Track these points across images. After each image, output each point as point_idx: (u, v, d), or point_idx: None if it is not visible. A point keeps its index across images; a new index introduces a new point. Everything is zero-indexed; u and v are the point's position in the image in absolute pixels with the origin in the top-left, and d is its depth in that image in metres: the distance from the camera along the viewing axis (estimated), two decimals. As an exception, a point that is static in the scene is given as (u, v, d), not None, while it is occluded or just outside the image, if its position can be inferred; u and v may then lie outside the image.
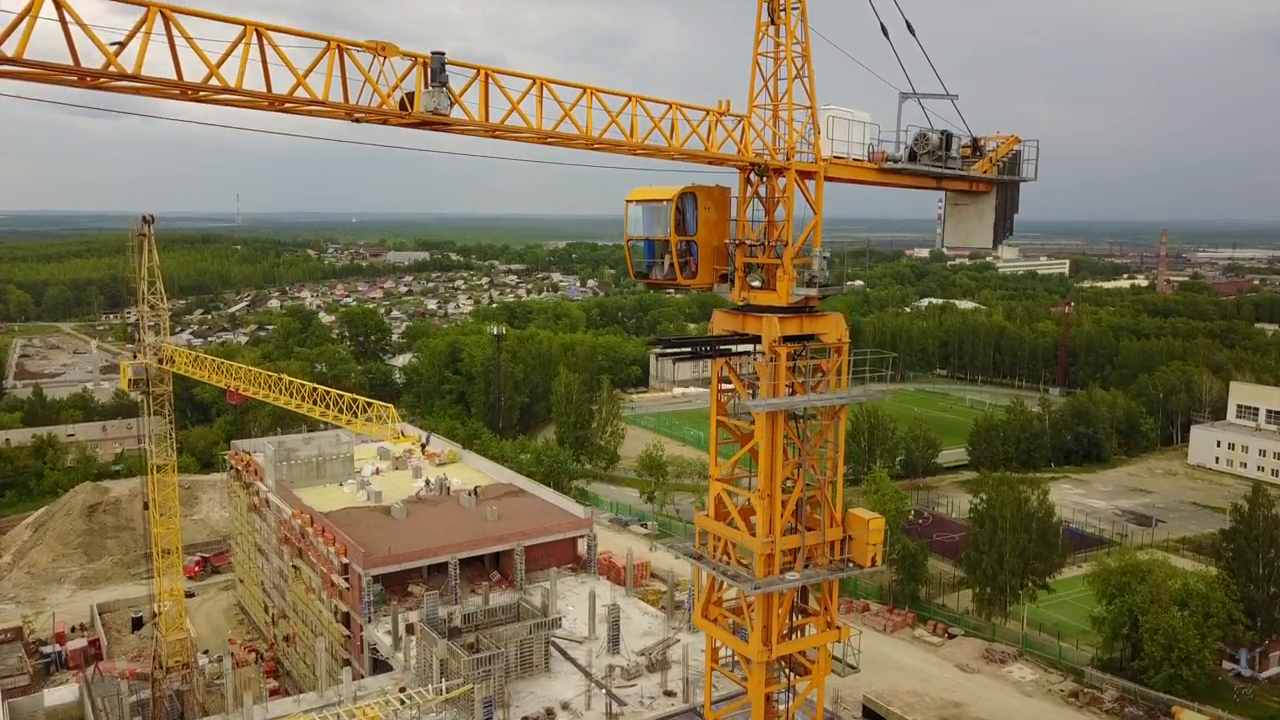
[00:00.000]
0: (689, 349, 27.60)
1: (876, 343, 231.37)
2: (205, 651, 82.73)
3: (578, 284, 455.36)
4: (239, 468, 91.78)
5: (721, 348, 26.95)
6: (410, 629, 58.86)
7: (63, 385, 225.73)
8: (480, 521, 72.93)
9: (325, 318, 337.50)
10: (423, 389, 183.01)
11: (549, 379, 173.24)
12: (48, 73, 16.12)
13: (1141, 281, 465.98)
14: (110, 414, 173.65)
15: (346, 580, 66.32)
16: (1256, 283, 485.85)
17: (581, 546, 76.16)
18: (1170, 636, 72.76)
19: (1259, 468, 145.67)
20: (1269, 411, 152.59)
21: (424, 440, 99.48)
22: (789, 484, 27.14)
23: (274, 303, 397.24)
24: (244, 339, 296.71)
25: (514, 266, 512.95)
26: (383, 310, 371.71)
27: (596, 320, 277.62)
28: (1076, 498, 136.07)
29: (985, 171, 29.04)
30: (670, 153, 22.68)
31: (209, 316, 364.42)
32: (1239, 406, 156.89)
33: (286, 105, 18.23)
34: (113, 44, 15.46)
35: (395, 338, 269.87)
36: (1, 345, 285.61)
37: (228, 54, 16.34)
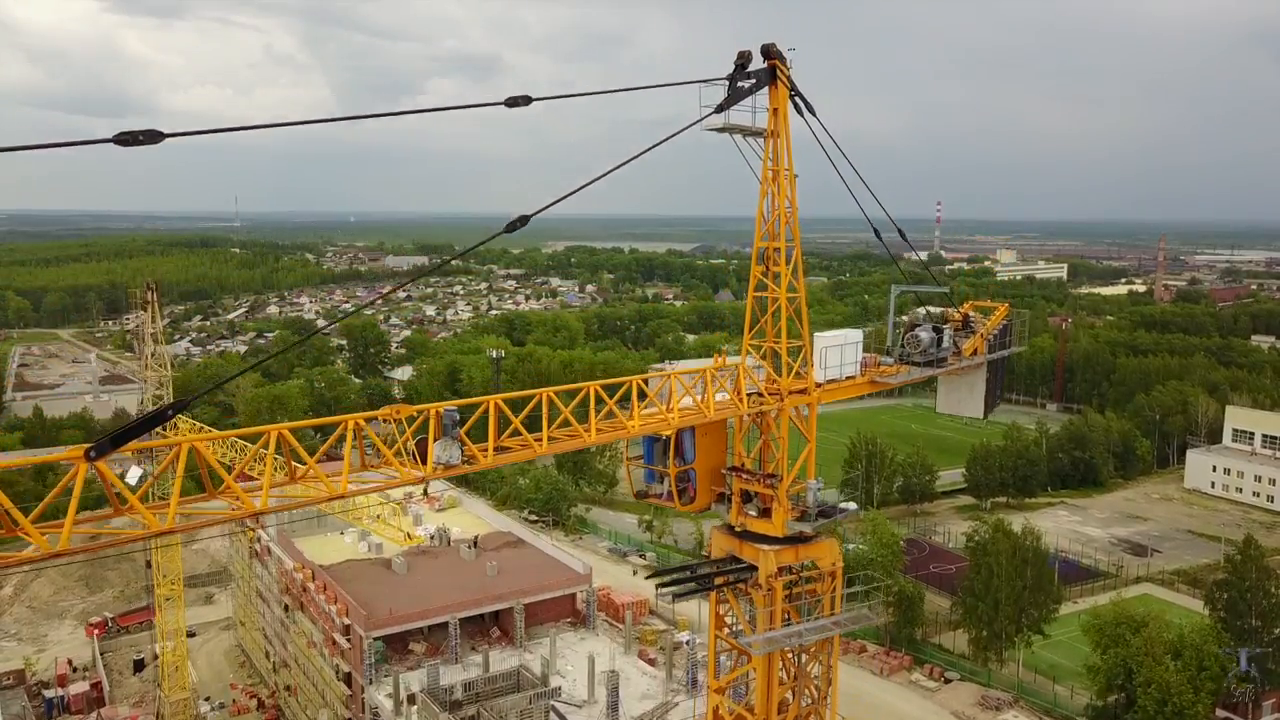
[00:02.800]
0: (692, 583, 28.11)
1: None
2: (207, 698, 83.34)
3: (576, 289, 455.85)
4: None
5: (719, 578, 27.54)
6: (412, 698, 59.45)
7: (62, 397, 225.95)
8: (480, 576, 73.50)
9: (324, 324, 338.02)
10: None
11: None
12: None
13: (1139, 287, 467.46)
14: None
15: (348, 640, 66.91)
16: (1254, 288, 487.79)
17: (581, 601, 76.68)
18: (1164, 690, 73.37)
19: (1254, 493, 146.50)
20: (1264, 436, 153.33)
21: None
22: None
23: (272, 309, 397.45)
24: (243, 348, 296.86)
25: (512, 271, 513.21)
26: (381, 317, 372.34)
27: (595, 332, 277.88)
28: (1073, 525, 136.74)
29: (976, 349, 29.65)
30: (670, 421, 23.36)
31: (207, 323, 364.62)
32: (1235, 430, 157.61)
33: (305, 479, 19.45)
34: (141, 474, 16.08)
35: (395, 347, 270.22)
36: (1, 353, 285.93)
37: (250, 457, 16.89)
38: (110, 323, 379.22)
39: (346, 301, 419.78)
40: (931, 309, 29.52)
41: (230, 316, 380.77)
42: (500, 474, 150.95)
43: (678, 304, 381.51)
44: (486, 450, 20.57)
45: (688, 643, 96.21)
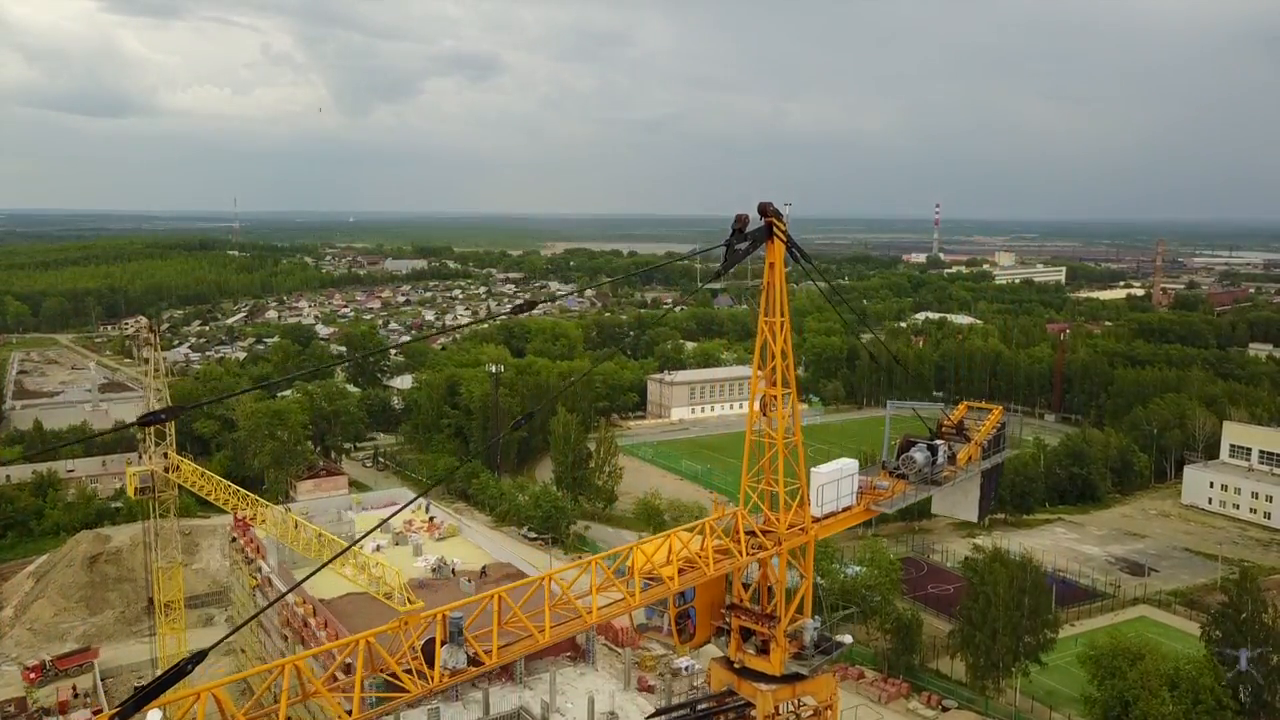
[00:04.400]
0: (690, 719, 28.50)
1: (873, 367, 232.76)
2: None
3: (575, 293, 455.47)
4: (241, 541, 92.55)
5: (718, 716, 27.88)
6: (413, 744, 59.74)
7: (61, 406, 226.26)
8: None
9: (323, 330, 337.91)
10: (421, 421, 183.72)
11: (548, 410, 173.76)
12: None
13: (1138, 291, 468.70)
14: (109, 447, 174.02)
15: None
16: (1252, 291, 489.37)
17: (580, 635, 76.91)
18: (1160, 725, 73.79)
19: (1251, 510, 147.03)
20: (1261, 452, 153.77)
21: (424, 508, 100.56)
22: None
23: (271, 313, 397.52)
24: (242, 354, 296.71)
25: (511, 275, 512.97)
26: (380, 321, 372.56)
27: (595, 340, 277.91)
28: (1070, 543, 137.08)
29: (971, 457, 30.07)
30: (670, 588, 23.71)
31: (206, 328, 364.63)
32: (1232, 446, 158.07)
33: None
34: (161, 718, 16.46)
35: (394, 354, 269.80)
36: (0, 359, 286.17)
37: (264, 689, 17.17)
38: (109, 327, 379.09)
39: (345, 306, 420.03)
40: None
41: (229, 321, 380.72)
42: (500, 491, 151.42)
43: (677, 310, 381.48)
44: (491, 650, 20.92)
45: (687, 669, 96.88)
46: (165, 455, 64.83)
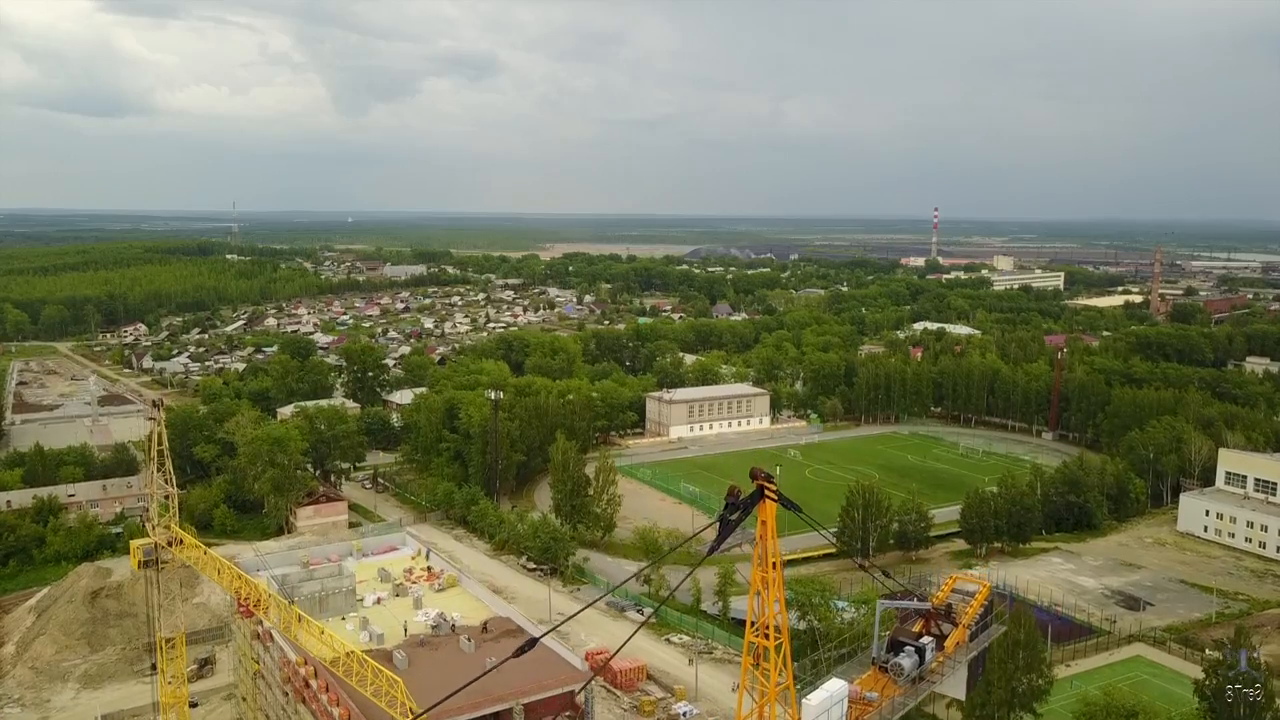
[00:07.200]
0: None
1: (871, 385, 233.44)
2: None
3: (574, 299, 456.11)
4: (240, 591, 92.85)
5: None
6: (413, 818, 60.33)
7: (61, 421, 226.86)
8: (479, 672, 74.25)
9: (322, 339, 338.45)
10: (420, 443, 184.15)
11: (547, 432, 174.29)
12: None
13: (1136, 296, 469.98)
14: (109, 471, 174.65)
15: (350, 743, 67.81)
16: (1250, 297, 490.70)
17: (579, 696, 77.45)
18: (1153, 782, 74.58)
19: (1246, 539, 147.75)
20: (1257, 480, 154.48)
21: (425, 553, 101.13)
22: None
23: (270, 320, 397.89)
24: (241, 364, 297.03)
25: (510, 281, 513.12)
26: (379, 330, 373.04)
27: (594, 354, 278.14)
28: (1066, 574, 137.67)
29: (959, 642, 30.68)
30: None
31: (205, 336, 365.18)
32: (1228, 474, 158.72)
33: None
34: None
35: (394, 367, 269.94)
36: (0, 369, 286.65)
37: None
38: (108, 335, 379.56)
39: (344, 312, 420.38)
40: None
41: (229, 329, 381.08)
42: (500, 518, 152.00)
43: (675, 318, 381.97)
44: None
45: (685, 714, 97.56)
46: (168, 528, 65.30)
